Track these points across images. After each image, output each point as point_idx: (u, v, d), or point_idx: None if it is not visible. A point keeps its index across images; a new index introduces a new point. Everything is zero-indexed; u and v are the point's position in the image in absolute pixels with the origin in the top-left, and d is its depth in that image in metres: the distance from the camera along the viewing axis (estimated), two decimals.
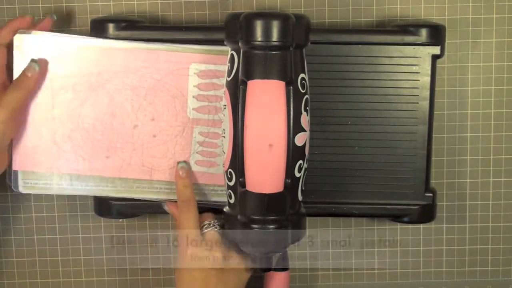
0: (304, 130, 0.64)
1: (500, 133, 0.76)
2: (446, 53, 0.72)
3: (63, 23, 0.75)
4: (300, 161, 0.64)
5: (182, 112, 0.71)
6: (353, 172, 0.71)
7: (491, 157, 0.77)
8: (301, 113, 0.64)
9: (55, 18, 0.72)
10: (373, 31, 0.73)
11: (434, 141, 0.72)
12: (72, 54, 0.70)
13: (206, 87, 0.71)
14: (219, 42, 0.67)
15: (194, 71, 0.70)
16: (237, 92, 0.63)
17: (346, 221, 0.78)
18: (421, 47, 0.69)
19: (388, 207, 0.72)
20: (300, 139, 0.64)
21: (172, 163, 0.71)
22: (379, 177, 0.71)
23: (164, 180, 0.72)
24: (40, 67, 0.69)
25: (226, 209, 0.68)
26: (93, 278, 0.79)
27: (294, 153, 0.63)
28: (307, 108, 0.65)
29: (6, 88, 0.68)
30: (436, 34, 0.70)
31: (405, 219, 0.72)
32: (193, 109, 0.71)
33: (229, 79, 0.65)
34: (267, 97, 0.63)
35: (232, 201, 0.66)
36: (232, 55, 0.65)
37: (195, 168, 0.71)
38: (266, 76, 0.63)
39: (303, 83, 0.64)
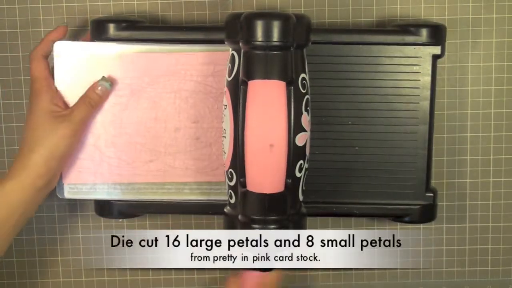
0: (304, 130, 0.64)
1: (500, 133, 0.76)
2: (446, 53, 0.72)
3: (63, 23, 0.75)
4: (301, 161, 0.64)
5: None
6: (354, 172, 0.71)
7: (491, 157, 0.77)
8: (301, 113, 0.64)
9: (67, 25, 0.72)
10: (373, 31, 0.73)
11: (434, 141, 0.72)
12: (112, 60, 0.70)
13: None
14: (221, 42, 0.67)
15: None
16: (237, 92, 0.63)
17: (346, 221, 0.78)
18: (421, 47, 0.69)
19: (389, 207, 0.72)
20: (301, 139, 0.64)
21: (216, 165, 0.71)
22: (380, 177, 0.71)
23: (210, 181, 0.72)
24: (111, 85, 0.69)
25: (226, 209, 0.68)
26: (93, 278, 0.79)
27: (294, 153, 0.63)
28: (308, 108, 0.65)
29: (59, 97, 0.69)
30: (437, 34, 0.70)
31: (406, 219, 0.72)
32: None
33: (229, 79, 0.65)
34: (268, 97, 0.63)
35: (232, 201, 0.66)
36: (232, 55, 0.65)
37: None
38: (266, 76, 0.63)
39: (304, 83, 0.64)
